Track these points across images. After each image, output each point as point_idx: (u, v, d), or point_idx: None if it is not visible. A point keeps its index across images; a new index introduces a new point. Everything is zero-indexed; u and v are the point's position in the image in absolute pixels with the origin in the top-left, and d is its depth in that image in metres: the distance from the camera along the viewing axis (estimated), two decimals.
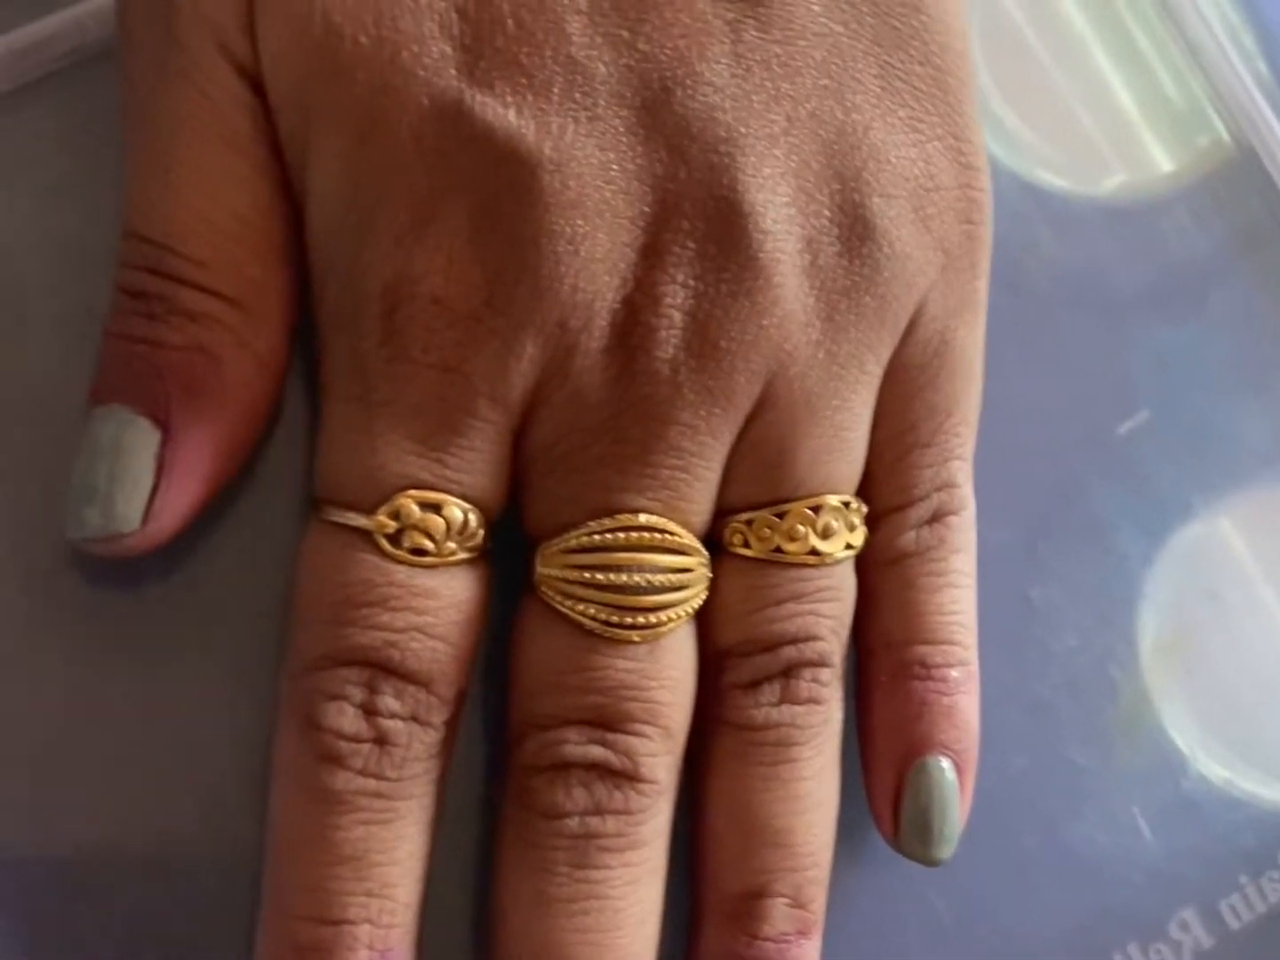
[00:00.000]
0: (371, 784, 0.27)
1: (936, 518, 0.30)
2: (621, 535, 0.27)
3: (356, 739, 0.27)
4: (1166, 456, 0.34)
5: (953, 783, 0.29)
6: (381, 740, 0.27)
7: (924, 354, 0.29)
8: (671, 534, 0.27)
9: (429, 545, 0.27)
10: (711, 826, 0.29)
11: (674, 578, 0.27)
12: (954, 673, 0.30)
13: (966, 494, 0.30)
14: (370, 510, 0.27)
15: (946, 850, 0.30)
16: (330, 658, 0.27)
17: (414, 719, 0.27)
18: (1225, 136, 0.37)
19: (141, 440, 0.27)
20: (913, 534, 0.30)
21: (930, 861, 0.30)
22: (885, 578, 0.30)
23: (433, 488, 0.27)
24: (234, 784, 0.29)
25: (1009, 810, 0.32)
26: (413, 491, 0.27)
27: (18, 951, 0.28)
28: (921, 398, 0.29)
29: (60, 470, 0.28)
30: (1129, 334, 0.35)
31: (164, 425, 0.27)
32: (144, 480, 0.27)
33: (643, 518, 0.27)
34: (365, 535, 0.27)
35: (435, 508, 0.27)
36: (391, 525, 0.27)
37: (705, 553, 0.28)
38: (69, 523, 0.27)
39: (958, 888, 0.31)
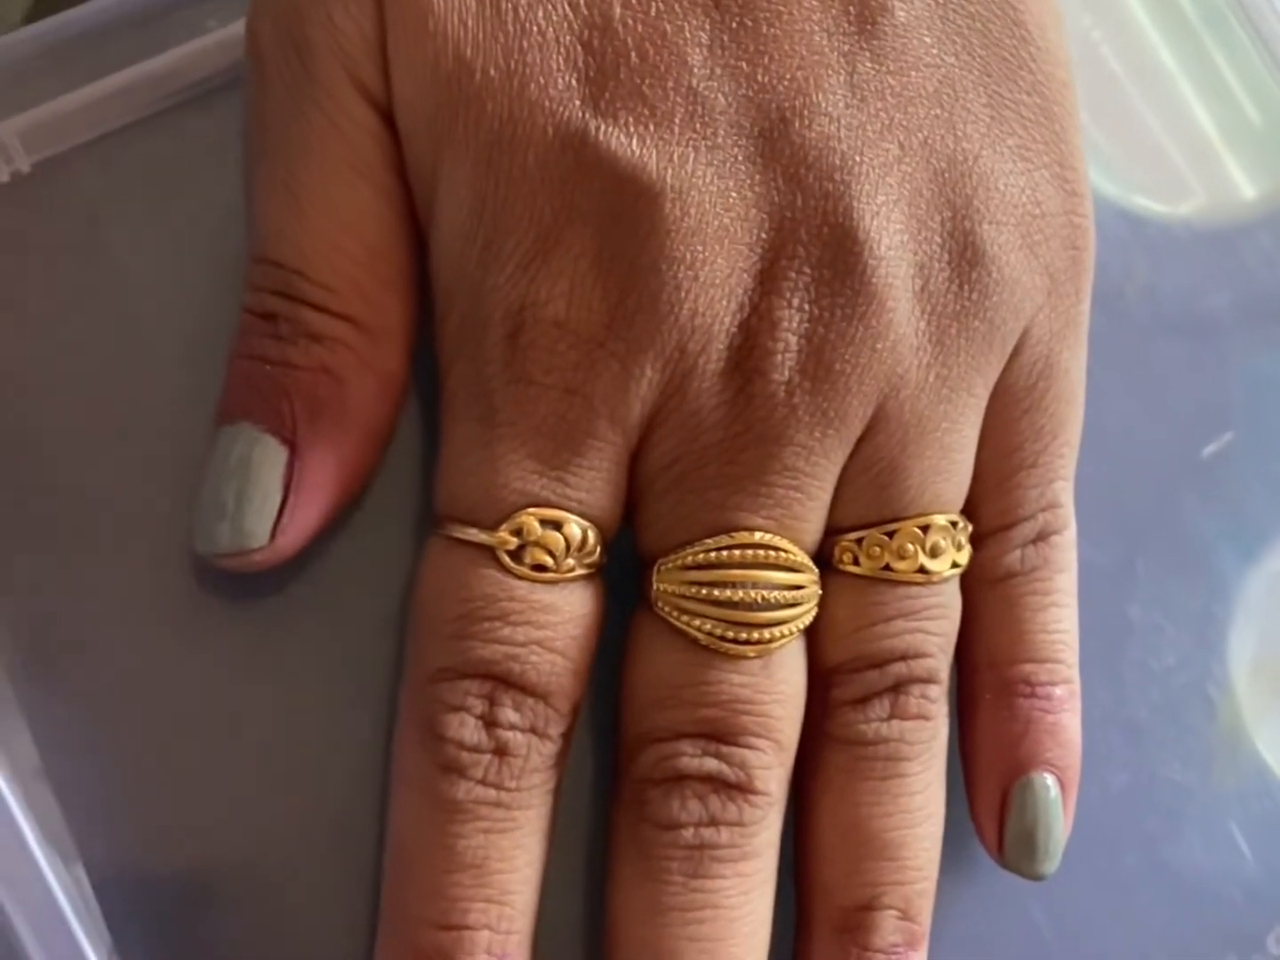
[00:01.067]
0: (492, 794, 0.27)
1: (1041, 537, 0.30)
2: (737, 553, 0.28)
3: (477, 750, 0.27)
4: (1257, 477, 0.35)
5: (1057, 799, 0.30)
6: (501, 751, 0.27)
7: (1030, 377, 0.30)
8: (785, 551, 0.28)
9: (549, 561, 0.28)
10: (821, 839, 0.29)
11: (787, 594, 0.28)
12: (1058, 691, 0.30)
13: (1069, 514, 0.31)
14: (493, 527, 0.28)
15: (1050, 865, 0.30)
16: (452, 670, 0.28)
17: (533, 731, 0.28)
18: None
19: (270, 457, 0.28)
20: (1018, 553, 0.30)
21: (1035, 876, 0.30)
22: (990, 596, 0.30)
23: (553, 505, 0.28)
24: (356, 792, 0.29)
25: (1109, 828, 0.32)
26: (534, 509, 0.28)
27: None
28: (1027, 419, 0.30)
29: (190, 487, 0.29)
30: (1219, 356, 0.36)
31: (291, 444, 0.28)
32: (272, 497, 0.28)
33: (758, 535, 0.28)
34: (487, 551, 0.28)
35: (556, 525, 0.28)
36: (513, 542, 0.27)
37: (816, 570, 0.29)
38: (199, 538, 0.28)
39: (1059, 902, 0.32)
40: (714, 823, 0.28)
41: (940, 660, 0.29)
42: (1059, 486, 0.30)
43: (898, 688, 0.29)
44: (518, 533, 0.27)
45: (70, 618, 0.30)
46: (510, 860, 0.28)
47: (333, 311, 0.28)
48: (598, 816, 0.30)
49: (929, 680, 0.29)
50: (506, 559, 0.28)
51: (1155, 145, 0.37)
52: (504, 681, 0.27)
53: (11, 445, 0.30)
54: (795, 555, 0.28)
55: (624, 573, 0.29)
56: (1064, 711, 0.30)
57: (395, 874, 0.28)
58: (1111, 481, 0.34)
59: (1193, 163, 0.37)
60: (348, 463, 0.28)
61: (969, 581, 0.30)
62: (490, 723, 0.27)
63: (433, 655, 0.28)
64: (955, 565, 0.29)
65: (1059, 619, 0.30)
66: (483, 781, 0.27)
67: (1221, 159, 0.38)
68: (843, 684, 0.29)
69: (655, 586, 0.28)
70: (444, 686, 0.28)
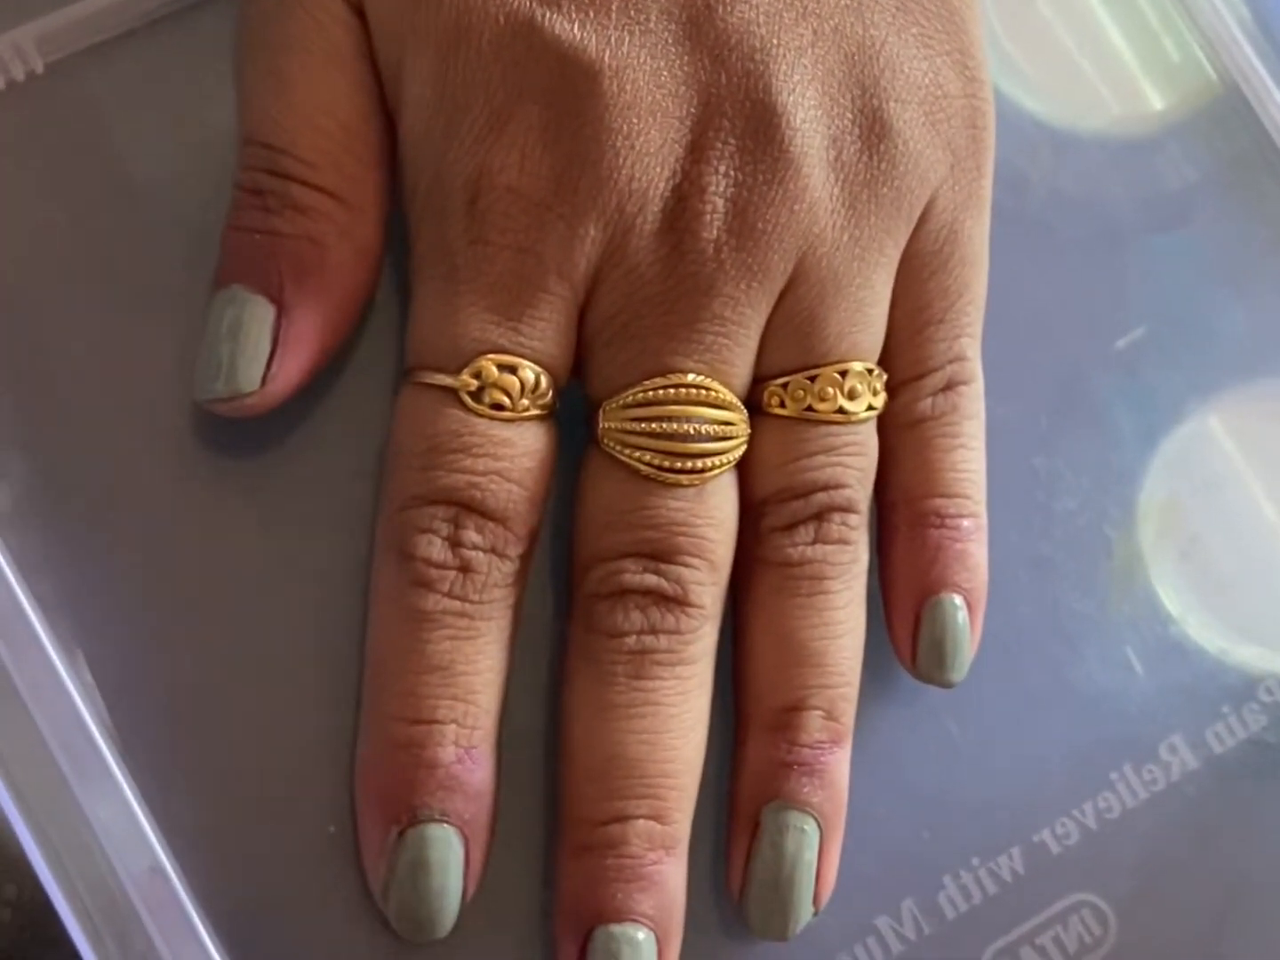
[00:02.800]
0: (456, 605, 0.31)
1: (949, 386, 0.34)
2: (673, 391, 0.32)
3: (444, 566, 0.31)
4: (1166, 364, 0.39)
5: (964, 616, 0.34)
6: (465, 568, 0.31)
7: (935, 241, 0.33)
8: (715, 391, 0.32)
9: (506, 401, 0.31)
10: (754, 651, 0.33)
11: (718, 428, 0.32)
12: (965, 523, 0.34)
13: (976, 368, 0.35)
14: (455, 372, 0.31)
15: (958, 674, 0.34)
16: (421, 498, 0.31)
17: (493, 551, 0.31)
18: (1213, 77, 0.41)
19: (259, 314, 0.31)
20: (929, 400, 0.34)
21: (944, 683, 0.34)
22: (904, 439, 0.34)
23: (509, 352, 0.31)
24: (340, 619, 0.33)
25: (1016, 651, 0.36)
26: (492, 355, 0.31)
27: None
28: (934, 280, 0.34)
29: (190, 349, 0.32)
30: (1131, 256, 0.39)
31: (278, 302, 0.31)
32: (262, 349, 0.31)
33: (690, 377, 0.32)
34: (451, 393, 0.31)
35: (511, 369, 0.31)
36: (473, 384, 0.31)
37: (745, 411, 0.32)
38: (198, 388, 0.32)
39: (971, 717, 0.35)
40: (653, 630, 0.32)
41: (859, 491, 0.33)
42: (965, 342, 0.34)
43: (820, 515, 0.33)
44: (477, 375, 0.31)
45: (70, 468, 0.33)
46: (474, 664, 0.31)
47: (315, 185, 0.32)
48: (555, 635, 0.34)
49: (848, 509, 0.33)
50: (468, 399, 0.31)
51: (1070, 62, 0.41)
52: (467, 507, 0.31)
53: (17, 336, 0.33)
54: (725, 395, 0.32)
55: (574, 421, 0.33)
56: (971, 541, 0.34)
57: (372, 679, 0.32)
58: (1025, 356, 0.37)
59: (1104, 77, 0.41)
60: (329, 320, 0.32)
61: (885, 427, 0.34)
62: (455, 543, 0.31)
63: (404, 485, 0.32)
64: (870, 408, 0.33)
65: (966, 459, 0.34)
66: (449, 594, 0.31)
67: (1132, 73, 0.41)
68: (771, 513, 0.33)
69: (601, 425, 0.32)
70: (414, 512, 0.31)
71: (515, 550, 0.32)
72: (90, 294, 0.34)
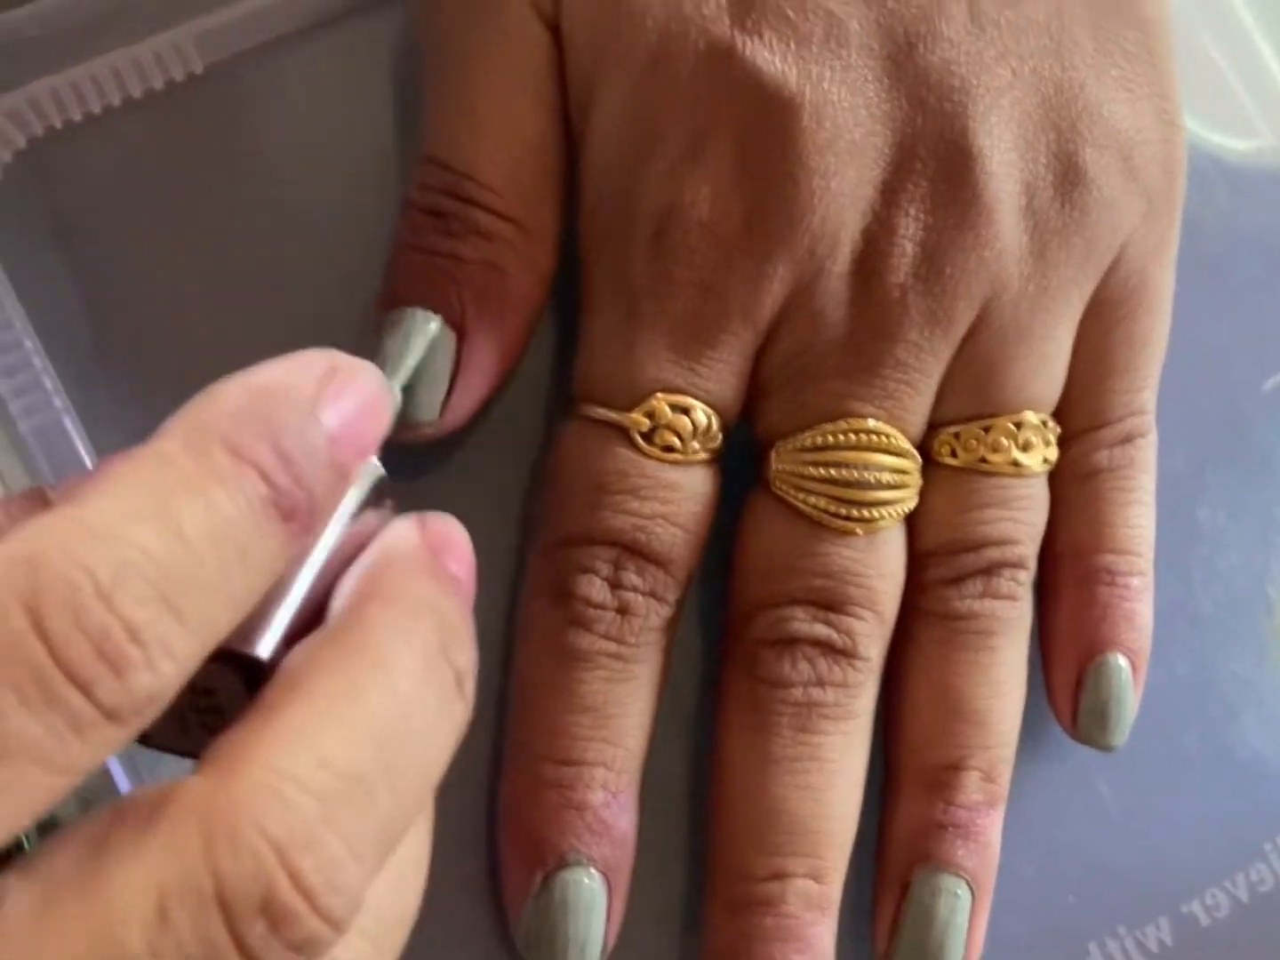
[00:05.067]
0: (612, 646, 0.30)
1: (1127, 439, 0.33)
2: (851, 437, 0.31)
3: (602, 607, 0.30)
4: None
5: (1129, 678, 0.33)
6: (623, 610, 0.30)
7: (1123, 291, 0.32)
8: (893, 438, 0.31)
9: (676, 443, 0.30)
10: (914, 704, 0.32)
11: (893, 477, 0.31)
12: (1135, 581, 0.33)
13: (1152, 420, 0.34)
14: (628, 409, 0.30)
15: (1120, 739, 0.33)
16: (584, 537, 0.30)
17: (652, 594, 0.31)
18: None
19: (441, 340, 0.30)
20: (1105, 453, 0.33)
21: (1105, 747, 0.33)
22: (1077, 492, 0.33)
23: (684, 392, 0.30)
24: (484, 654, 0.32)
25: (1173, 711, 0.35)
26: (666, 395, 0.30)
27: None
28: (1120, 329, 0.33)
29: None
30: None
31: (459, 328, 0.31)
32: (443, 376, 0.30)
33: (870, 423, 0.31)
34: (620, 431, 0.31)
35: (685, 410, 0.30)
36: (646, 424, 0.30)
37: (919, 459, 0.31)
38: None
39: (1123, 778, 0.34)
40: (821, 683, 0.31)
41: (1029, 548, 0.32)
42: (1145, 395, 0.33)
43: (990, 570, 0.32)
44: (650, 415, 0.30)
45: None
46: (626, 707, 0.31)
47: (499, 212, 0.31)
48: (703, 678, 0.33)
49: (1019, 565, 0.32)
50: (639, 439, 0.30)
51: (1230, 90, 0.40)
52: (630, 549, 0.30)
53: (166, 343, 0.33)
54: (902, 442, 0.31)
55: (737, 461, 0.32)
56: (1139, 600, 0.33)
57: (521, 716, 0.31)
58: (1185, 395, 0.36)
59: (1263, 106, 0.40)
60: (508, 347, 0.31)
61: (1057, 478, 0.33)
62: (615, 584, 0.30)
63: (566, 522, 0.31)
64: (1045, 461, 0.32)
65: (1139, 516, 0.33)
66: (606, 635, 0.30)
67: None
68: (939, 565, 0.32)
69: (773, 466, 0.31)
70: (575, 550, 0.30)
71: (673, 595, 0.31)
72: (239, 299, 0.33)
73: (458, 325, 0.31)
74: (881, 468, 0.31)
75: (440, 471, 0.33)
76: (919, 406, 0.31)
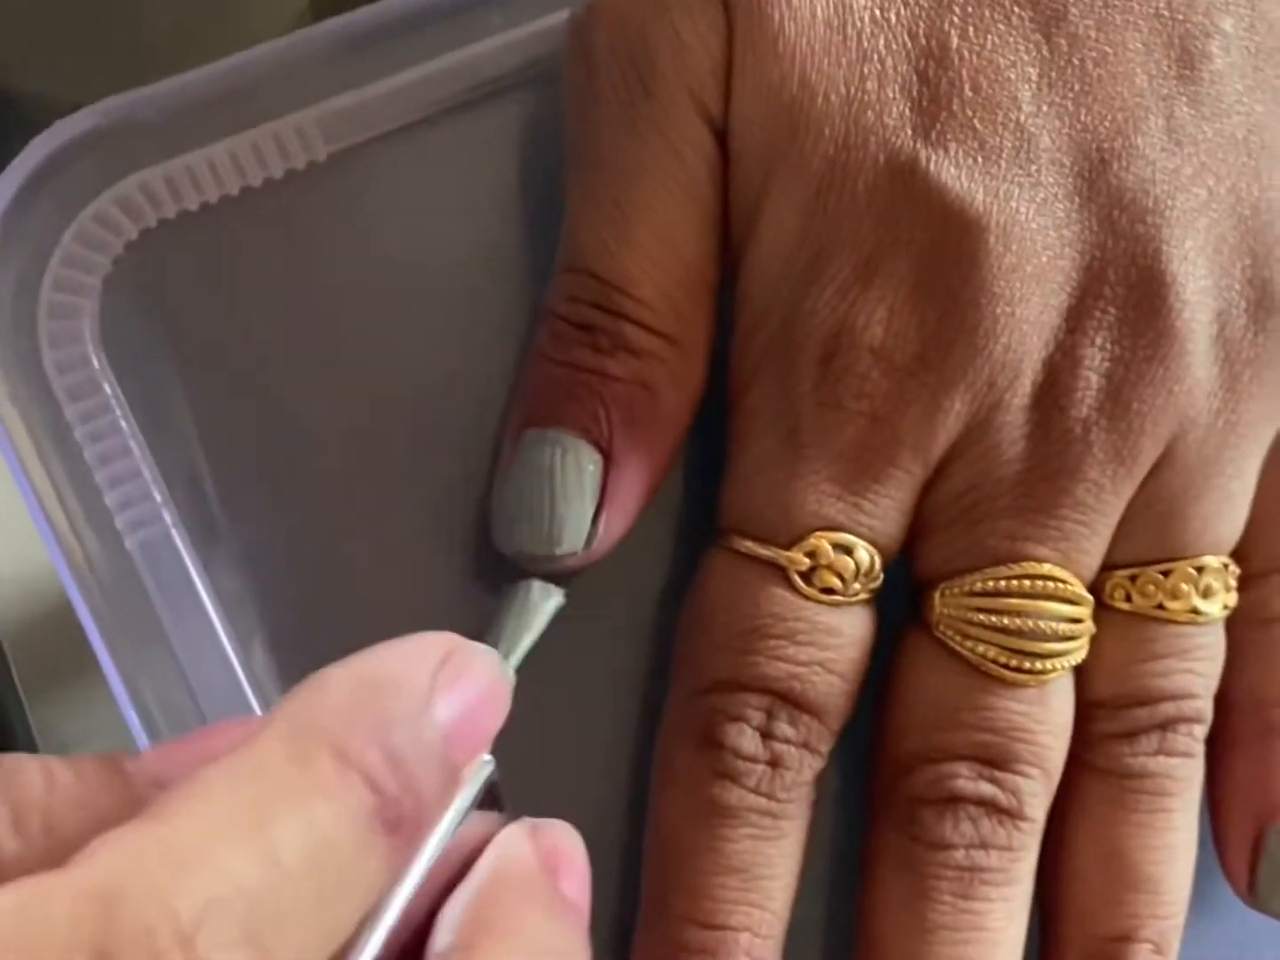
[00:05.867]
0: (763, 802, 0.28)
1: None
2: (1025, 583, 0.28)
3: (753, 759, 0.28)
4: None
5: None
6: (775, 763, 0.28)
7: None
8: (1068, 584, 0.28)
9: (838, 585, 0.28)
10: (1080, 867, 0.30)
11: (1067, 627, 0.29)
12: None
13: None
14: (786, 546, 0.28)
15: None
16: (735, 682, 0.28)
17: (805, 746, 0.28)
18: None
19: (586, 465, 0.28)
20: None
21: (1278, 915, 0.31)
22: (1257, 637, 0.31)
23: (847, 530, 0.28)
24: (617, 792, 0.30)
25: None
26: (827, 532, 0.28)
27: None
28: None
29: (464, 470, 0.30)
30: None
31: (606, 453, 0.28)
32: (589, 504, 0.28)
33: (1045, 567, 0.28)
34: (778, 570, 0.28)
35: (847, 550, 0.28)
36: (806, 563, 0.28)
37: (1092, 603, 0.29)
38: (504, 538, 0.29)
39: None
40: (985, 846, 0.28)
41: (1206, 701, 0.30)
42: None
43: (1166, 726, 0.29)
44: (811, 554, 0.28)
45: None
46: (774, 868, 0.28)
47: (651, 328, 0.29)
48: (843, 829, 0.31)
49: (1196, 720, 0.30)
50: (797, 579, 0.28)
51: None
52: (784, 698, 0.28)
53: (283, 440, 0.31)
54: (1077, 589, 0.29)
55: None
56: None
57: (659, 873, 0.29)
58: None
59: None
60: (655, 472, 0.29)
61: (1235, 621, 0.31)
62: (767, 735, 0.28)
63: (714, 666, 0.29)
64: (1225, 607, 0.30)
65: None
66: (755, 790, 0.28)
67: None
68: (1110, 718, 0.30)
69: (937, 610, 0.29)
70: (725, 697, 0.28)
71: (826, 746, 0.29)
72: (353, 399, 0.31)
73: (604, 448, 0.28)
74: (1056, 616, 0.29)
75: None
76: (1096, 549, 0.29)
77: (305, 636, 0.30)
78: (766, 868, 0.28)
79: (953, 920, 0.28)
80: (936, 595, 0.29)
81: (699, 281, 0.29)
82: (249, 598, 0.30)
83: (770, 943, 0.29)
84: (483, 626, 0.26)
